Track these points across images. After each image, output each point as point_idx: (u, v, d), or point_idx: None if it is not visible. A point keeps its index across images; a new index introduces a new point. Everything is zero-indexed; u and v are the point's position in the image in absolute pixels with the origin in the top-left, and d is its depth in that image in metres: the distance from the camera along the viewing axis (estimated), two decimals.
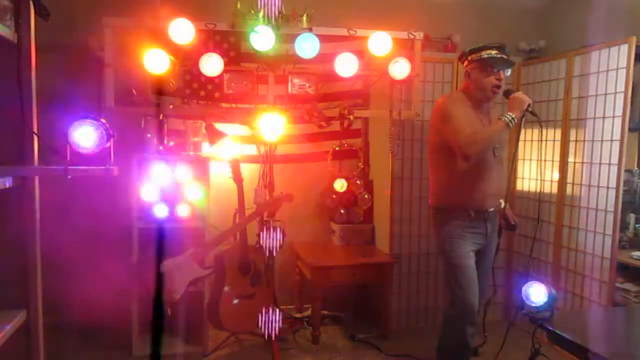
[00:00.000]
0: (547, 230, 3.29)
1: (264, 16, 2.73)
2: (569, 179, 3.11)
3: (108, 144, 1.48)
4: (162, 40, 2.61)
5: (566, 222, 3.13)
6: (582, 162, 3.01)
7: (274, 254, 2.83)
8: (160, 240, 2.91)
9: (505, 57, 2.39)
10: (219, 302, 2.81)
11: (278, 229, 2.78)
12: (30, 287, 1.61)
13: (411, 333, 3.38)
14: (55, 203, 2.19)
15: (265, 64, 2.85)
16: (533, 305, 1.84)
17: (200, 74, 2.75)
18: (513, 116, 2.25)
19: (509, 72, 2.43)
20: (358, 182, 3.61)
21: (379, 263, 3.28)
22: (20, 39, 1.52)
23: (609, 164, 2.80)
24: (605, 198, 2.82)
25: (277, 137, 2.83)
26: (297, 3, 2.80)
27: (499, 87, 2.38)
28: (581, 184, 3.01)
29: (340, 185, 3.52)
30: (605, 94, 2.84)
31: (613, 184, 2.77)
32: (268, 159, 3.01)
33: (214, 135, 2.92)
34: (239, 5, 2.75)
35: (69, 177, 1.45)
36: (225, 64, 2.72)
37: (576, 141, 3.07)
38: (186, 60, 2.78)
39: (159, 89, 3.05)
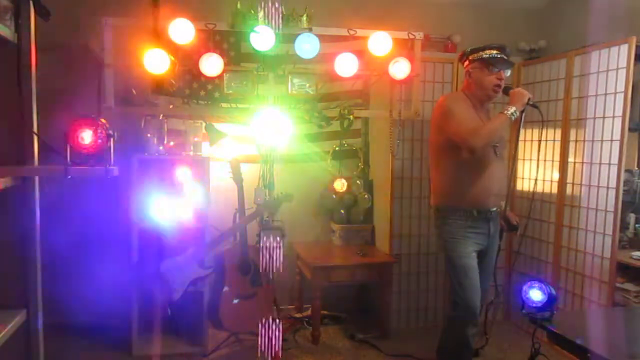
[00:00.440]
0: (547, 230, 3.29)
1: (264, 16, 2.72)
2: (569, 179, 3.11)
3: (108, 144, 1.48)
4: (162, 40, 2.61)
5: (566, 222, 3.13)
6: (582, 162, 3.01)
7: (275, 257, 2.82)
8: (160, 241, 2.92)
9: (505, 57, 2.41)
10: (219, 302, 2.81)
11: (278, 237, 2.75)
12: (30, 287, 1.61)
13: (411, 333, 3.38)
14: (55, 203, 2.19)
15: (265, 64, 2.85)
16: (533, 305, 1.84)
17: (200, 74, 2.75)
18: (514, 109, 2.27)
19: (508, 72, 2.46)
20: (358, 182, 3.62)
21: (379, 263, 3.28)
22: (20, 39, 1.52)
23: (609, 164, 2.80)
24: (605, 198, 2.82)
25: (277, 137, 2.83)
26: (297, 3, 2.80)
27: (499, 86, 2.41)
28: (581, 184, 3.01)
29: (340, 185, 3.52)
30: (605, 94, 2.84)
31: (613, 184, 2.77)
32: (268, 159, 3.01)
33: (214, 135, 2.92)
34: (239, 5, 2.75)
35: (69, 177, 1.45)
36: (225, 64, 2.72)
37: (576, 141, 3.07)
38: (186, 60, 2.78)
39: (159, 89, 3.05)
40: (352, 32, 2.87)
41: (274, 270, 2.69)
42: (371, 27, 2.86)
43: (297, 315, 3.54)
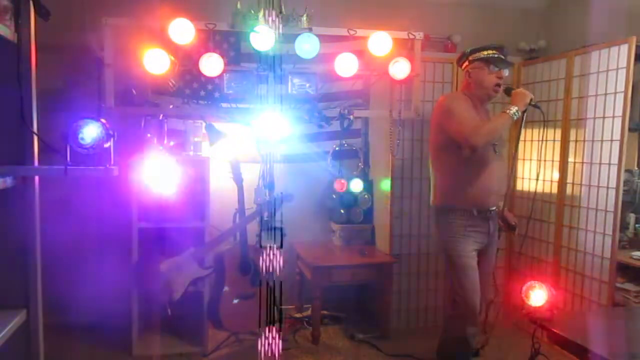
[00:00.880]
0: (547, 230, 3.29)
1: (263, 16, 2.73)
2: (569, 179, 3.11)
3: (108, 144, 1.48)
4: (162, 40, 2.61)
5: (566, 222, 3.13)
6: (582, 162, 3.01)
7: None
8: (160, 240, 2.92)
9: (503, 57, 2.45)
10: (219, 302, 2.81)
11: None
12: (30, 287, 1.61)
13: (411, 333, 3.38)
14: (55, 203, 2.19)
15: (265, 64, 2.85)
16: (533, 305, 1.84)
17: (200, 74, 2.75)
18: (516, 109, 2.29)
19: (507, 72, 2.49)
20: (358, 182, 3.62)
21: (379, 263, 3.28)
22: (20, 39, 1.52)
23: (609, 164, 2.80)
24: (605, 198, 2.82)
25: (277, 137, 2.83)
26: (297, 3, 2.80)
27: (499, 85, 2.44)
28: (581, 184, 3.01)
29: (340, 185, 3.52)
30: (605, 94, 2.84)
31: (613, 184, 2.77)
32: (268, 159, 3.01)
33: (214, 135, 2.92)
34: (239, 5, 2.75)
35: (69, 177, 1.45)
36: (225, 64, 2.72)
37: (576, 141, 3.07)
38: (186, 60, 2.78)
39: (159, 89, 3.06)
40: (352, 32, 2.87)
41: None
42: (371, 27, 2.86)
43: (297, 315, 3.54)
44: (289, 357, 2.98)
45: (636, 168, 3.23)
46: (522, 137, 3.43)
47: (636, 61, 2.73)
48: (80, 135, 1.44)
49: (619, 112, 2.74)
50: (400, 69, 2.89)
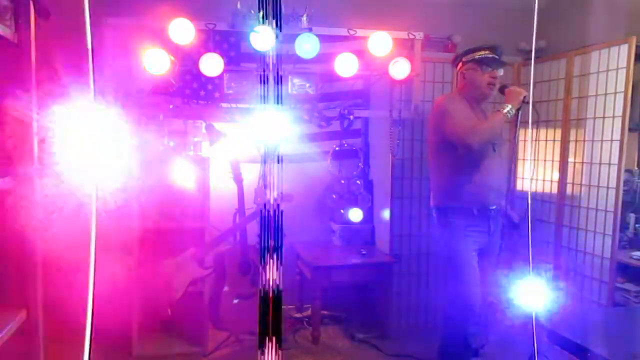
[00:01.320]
0: (547, 230, 3.28)
1: (263, 16, 2.72)
2: (569, 179, 3.11)
3: None
4: (162, 40, 2.61)
5: (566, 222, 3.13)
6: (582, 162, 3.01)
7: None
8: (160, 240, 2.92)
9: (497, 57, 2.46)
10: (219, 302, 2.81)
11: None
12: (30, 287, 1.61)
13: (411, 333, 3.38)
14: (55, 203, 2.19)
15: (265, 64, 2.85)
16: (532, 304, 1.84)
17: (200, 74, 2.75)
18: (510, 107, 2.31)
19: (501, 71, 2.50)
20: (358, 182, 3.62)
21: (379, 263, 3.27)
22: (20, 39, 1.52)
23: (609, 164, 2.80)
24: (605, 198, 2.82)
25: (277, 137, 2.83)
26: (297, 3, 2.80)
27: (493, 84, 2.46)
28: (581, 184, 3.01)
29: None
30: (605, 94, 2.84)
31: (613, 184, 2.77)
32: (268, 159, 3.00)
33: (214, 135, 2.92)
34: (239, 5, 2.75)
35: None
36: (225, 64, 2.72)
37: (576, 141, 3.07)
38: (186, 60, 2.78)
39: (159, 89, 3.05)
40: (352, 32, 2.87)
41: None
42: (371, 27, 2.86)
43: (297, 315, 3.54)
44: (289, 357, 2.98)
45: (636, 168, 3.23)
46: (522, 137, 3.42)
47: (636, 61, 2.73)
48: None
49: (619, 112, 2.74)
50: (400, 69, 2.89)
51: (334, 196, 3.59)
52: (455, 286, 2.42)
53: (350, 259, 3.29)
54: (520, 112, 2.38)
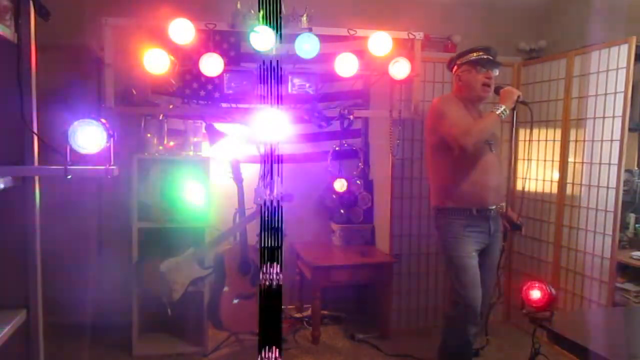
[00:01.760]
0: (547, 230, 3.28)
1: (263, 16, 2.73)
2: (569, 179, 3.11)
3: (108, 144, 1.48)
4: (162, 40, 2.61)
5: (566, 222, 3.13)
6: (582, 162, 3.01)
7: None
8: (160, 240, 2.92)
9: (491, 58, 2.47)
10: (219, 302, 2.81)
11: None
12: (30, 287, 1.61)
13: (411, 333, 3.38)
14: (55, 203, 2.19)
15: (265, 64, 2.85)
16: (533, 305, 1.84)
17: (200, 74, 2.75)
18: (504, 107, 2.34)
19: (496, 72, 2.51)
20: (358, 182, 3.62)
21: (379, 263, 3.27)
22: (20, 39, 1.52)
23: (609, 164, 2.80)
24: (605, 198, 2.82)
25: (277, 137, 2.83)
26: (297, 3, 2.80)
27: (488, 85, 2.46)
28: (581, 184, 3.01)
29: (340, 185, 3.52)
30: (605, 94, 2.84)
31: (613, 184, 2.77)
32: (268, 159, 3.01)
33: (214, 135, 2.92)
34: (239, 5, 2.75)
35: (69, 177, 1.46)
36: (225, 64, 2.72)
37: (576, 141, 3.07)
38: (186, 60, 2.79)
39: (159, 89, 3.06)
40: (352, 32, 2.87)
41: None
42: (371, 27, 2.86)
43: (297, 315, 3.54)
44: (289, 357, 2.98)
45: (636, 168, 3.23)
46: (521, 138, 3.43)
47: (636, 61, 2.73)
48: (79, 135, 1.44)
49: (619, 112, 2.74)
50: (400, 69, 2.89)
51: (334, 196, 3.59)
52: (456, 286, 2.42)
53: (350, 259, 3.29)
54: (515, 112, 2.41)
